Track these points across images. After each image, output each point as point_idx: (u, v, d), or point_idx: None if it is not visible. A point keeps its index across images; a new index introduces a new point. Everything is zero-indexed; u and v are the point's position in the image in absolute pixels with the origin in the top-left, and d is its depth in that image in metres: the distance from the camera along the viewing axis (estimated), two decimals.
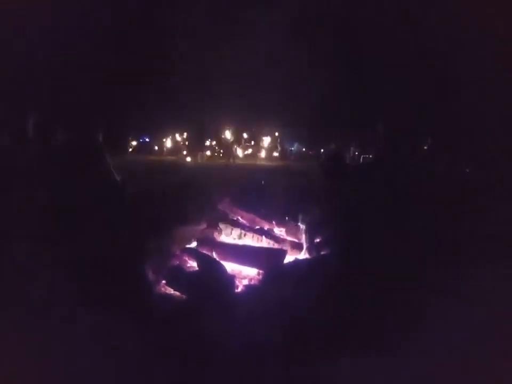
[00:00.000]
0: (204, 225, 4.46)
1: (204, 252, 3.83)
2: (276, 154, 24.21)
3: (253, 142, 25.03)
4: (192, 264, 3.75)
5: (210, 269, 3.40)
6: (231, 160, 18.93)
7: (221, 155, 20.31)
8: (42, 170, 4.45)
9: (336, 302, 2.93)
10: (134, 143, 22.59)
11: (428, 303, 2.75)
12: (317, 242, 4.19)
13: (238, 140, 23.09)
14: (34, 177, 4.20)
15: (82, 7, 9.76)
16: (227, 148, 20.50)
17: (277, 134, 25.36)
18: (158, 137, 22.01)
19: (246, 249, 3.91)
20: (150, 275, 3.31)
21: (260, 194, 5.25)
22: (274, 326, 2.62)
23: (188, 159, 18.69)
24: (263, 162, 19.82)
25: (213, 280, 3.22)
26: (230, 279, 3.32)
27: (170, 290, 3.32)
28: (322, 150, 18.28)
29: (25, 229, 3.44)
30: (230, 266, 3.67)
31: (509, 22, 6.58)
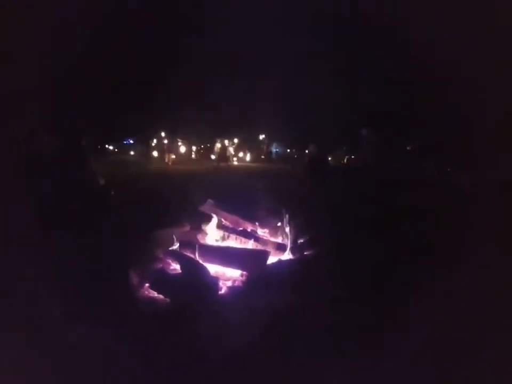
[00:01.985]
0: (187, 227, 4.45)
1: (187, 254, 3.83)
2: (262, 156, 24.41)
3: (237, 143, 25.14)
4: (176, 266, 3.74)
5: (194, 271, 3.40)
6: (222, 164, 19.02)
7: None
8: (25, 172, 4.38)
9: (320, 303, 2.98)
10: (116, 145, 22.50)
11: (417, 303, 2.79)
12: (300, 243, 4.24)
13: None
14: (17, 179, 4.13)
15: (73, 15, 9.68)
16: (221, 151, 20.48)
17: (262, 137, 25.58)
18: (142, 140, 21.94)
19: (229, 251, 3.92)
20: (134, 278, 3.28)
21: (243, 195, 5.28)
22: (258, 327, 2.64)
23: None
24: (249, 164, 19.90)
25: (196, 282, 3.22)
26: (213, 281, 3.32)
27: (154, 293, 3.30)
28: (306, 151, 18.43)
29: (6, 233, 3.38)
30: (214, 268, 3.68)
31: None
